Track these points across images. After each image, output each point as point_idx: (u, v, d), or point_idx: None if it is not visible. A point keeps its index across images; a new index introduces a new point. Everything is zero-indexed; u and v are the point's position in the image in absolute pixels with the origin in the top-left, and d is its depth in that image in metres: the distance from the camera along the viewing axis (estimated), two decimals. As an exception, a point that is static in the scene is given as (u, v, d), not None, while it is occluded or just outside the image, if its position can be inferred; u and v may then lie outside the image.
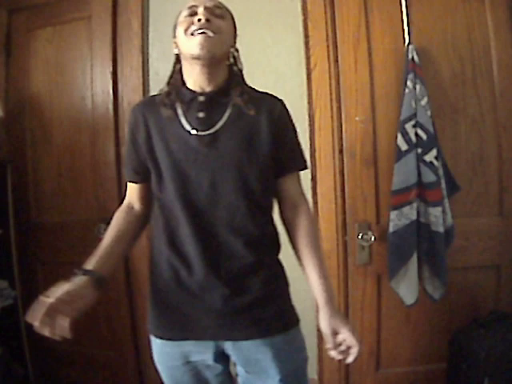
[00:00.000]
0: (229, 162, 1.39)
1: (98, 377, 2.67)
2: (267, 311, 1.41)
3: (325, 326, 1.37)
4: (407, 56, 2.18)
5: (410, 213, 2.13)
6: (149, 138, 1.45)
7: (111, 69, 2.51)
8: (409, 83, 2.14)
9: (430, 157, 2.12)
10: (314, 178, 2.34)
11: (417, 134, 2.12)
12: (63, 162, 2.62)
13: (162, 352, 1.49)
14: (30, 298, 2.64)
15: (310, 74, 2.34)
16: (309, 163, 2.28)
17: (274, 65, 2.40)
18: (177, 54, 1.46)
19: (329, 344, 1.36)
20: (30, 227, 2.68)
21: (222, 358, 1.46)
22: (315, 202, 2.35)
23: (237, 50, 1.50)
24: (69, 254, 2.62)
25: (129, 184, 1.57)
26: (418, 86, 2.14)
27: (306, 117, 2.36)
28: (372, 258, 2.28)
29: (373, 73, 2.28)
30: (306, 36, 2.35)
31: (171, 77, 1.49)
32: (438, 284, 2.18)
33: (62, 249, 2.64)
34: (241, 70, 1.51)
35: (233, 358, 1.47)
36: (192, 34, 1.35)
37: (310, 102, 2.35)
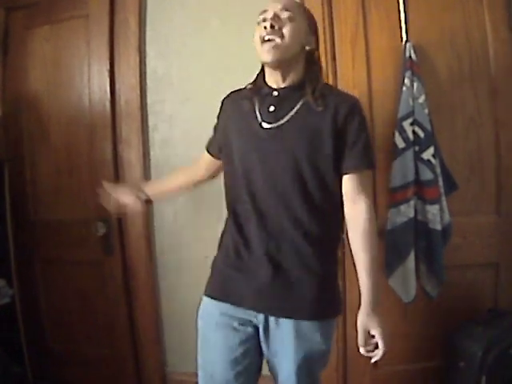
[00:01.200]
0: (287, 155, 1.48)
1: (96, 376, 2.67)
2: (306, 296, 1.50)
3: (360, 323, 1.51)
4: (405, 54, 2.18)
5: (407, 211, 2.13)
6: (226, 127, 1.64)
7: (108, 67, 2.50)
8: (406, 81, 2.14)
9: (428, 155, 2.12)
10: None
11: (414, 132, 2.13)
12: (61, 160, 2.61)
13: (205, 309, 1.64)
14: (27, 297, 2.68)
15: (307, 72, 2.34)
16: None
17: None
18: None
19: (359, 340, 1.50)
20: (27, 225, 2.68)
21: (253, 331, 1.56)
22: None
23: (316, 48, 1.60)
24: (66, 252, 2.63)
25: (204, 153, 1.85)
26: (415, 84, 2.13)
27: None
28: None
29: (370, 70, 2.28)
30: (304, 34, 2.34)
31: (258, 74, 1.62)
32: (435, 282, 2.18)
33: (59, 247, 2.64)
34: (320, 67, 1.62)
35: (261, 334, 1.56)
36: (262, 41, 1.46)
37: (307, 100, 2.35)
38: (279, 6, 1.48)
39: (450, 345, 2.18)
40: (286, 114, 1.50)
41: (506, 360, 2.01)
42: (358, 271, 1.52)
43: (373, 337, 1.48)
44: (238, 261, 1.55)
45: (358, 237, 1.51)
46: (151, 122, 2.52)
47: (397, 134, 2.14)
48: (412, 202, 2.13)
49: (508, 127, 2.29)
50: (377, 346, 1.47)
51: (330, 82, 2.30)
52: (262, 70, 1.60)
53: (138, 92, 2.48)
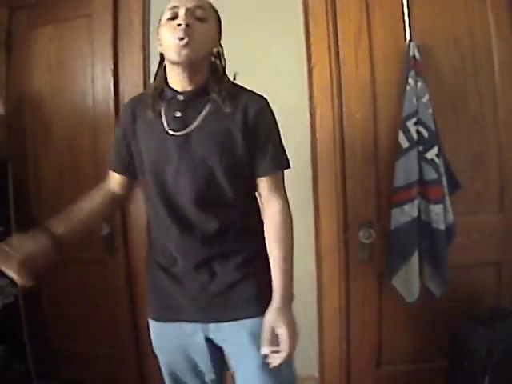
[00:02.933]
0: (199, 163, 1.42)
1: (99, 373, 2.66)
2: (240, 294, 1.46)
3: (266, 319, 1.38)
4: (408, 53, 2.18)
5: (411, 210, 2.14)
6: (135, 136, 1.51)
7: (112, 66, 2.50)
8: (410, 80, 2.14)
9: (432, 154, 2.12)
10: (314, 176, 2.34)
11: (418, 132, 2.13)
12: (64, 159, 2.61)
13: (158, 333, 1.58)
14: (30, 295, 2.67)
15: (310, 71, 2.34)
16: (309, 160, 2.32)
17: (275, 62, 2.40)
18: (161, 53, 1.47)
19: (263, 337, 1.37)
20: (30, 224, 2.64)
21: (210, 344, 1.51)
22: (316, 199, 2.36)
23: (220, 47, 1.52)
24: (69, 251, 2.62)
25: (111, 172, 1.65)
26: (419, 84, 2.14)
27: (307, 114, 2.36)
28: (373, 255, 2.28)
29: (374, 70, 2.28)
30: (307, 33, 2.35)
31: (156, 75, 1.51)
32: (438, 281, 2.18)
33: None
34: (223, 67, 1.51)
35: (218, 342, 1.52)
36: (175, 39, 1.35)
37: (310, 99, 2.36)
38: (192, 4, 1.39)
39: (454, 344, 2.18)
40: (194, 120, 1.43)
41: (509, 359, 2.01)
42: (272, 268, 1.44)
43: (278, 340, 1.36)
44: (168, 276, 1.51)
45: (272, 234, 1.46)
46: (154, 121, 2.50)
47: (401, 134, 2.14)
48: (416, 202, 2.14)
49: (511, 127, 2.29)
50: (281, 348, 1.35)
51: (334, 81, 2.31)
52: (162, 70, 1.49)
53: (142, 91, 2.46)
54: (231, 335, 1.47)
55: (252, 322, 1.44)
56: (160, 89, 1.48)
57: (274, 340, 1.35)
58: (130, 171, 1.58)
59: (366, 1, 2.29)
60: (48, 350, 2.72)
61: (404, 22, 2.25)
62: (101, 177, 2.46)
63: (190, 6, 1.38)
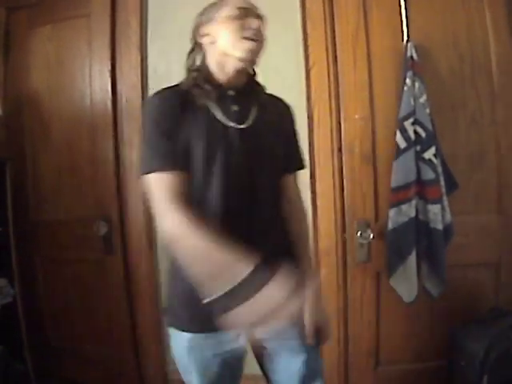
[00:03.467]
0: (268, 154, 1.46)
1: (98, 374, 2.67)
2: None
3: (307, 316, 1.47)
4: (406, 53, 2.18)
5: (408, 210, 2.14)
6: (183, 129, 1.38)
7: (110, 66, 2.51)
8: (408, 81, 2.14)
9: (429, 154, 2.12)
10: (312, 176, 2.34)
11: (416, 132, 2.13)
12: (62, 159, 2.62)
13: (192, 345, 1.48)
14: (29, 296, 2.67)
15: (308, 72, 2.35)
16: (307, 161, 2.32)
17: (273, 63, 2.38)
18: (203, 45, 1.48)
19: (308, 332, 1.48)
20: (29, 225, 2.69)
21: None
22: (314, 200, 2.35)
23: None
24: (68, 251, 2.64)
25: (165, 177, 1.35)
26: (416, 84, 2.14)
27: (305, 115, 2.36)
28: (371, 255, 2.28)
29: (371, 70, 2.28)
30: (305, 34, 2.35)
31: (195, 69, 1.48)
32: (436, 281, 2.18)
33: (61, 246, 2.65)
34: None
35: (263, 343, 1.53)
36: (245, 39, 1.38)
37: (308, 100, 2.36)
38: (259, 11, 1.47)
39: (452, 344, 2.18)
40: (250, 114, 1.46)
41: (507, 359, 2.01)
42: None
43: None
44: None
45: (298, 235, 1.57)
46: (153, 121, 2.50)
47: (398, 134, 2.14)
48: (413, 202, 2.14)
49: (509, 127, 2.29)
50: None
51: (331, 82, 2.32)
52: (204, 62, 1.48)
53: (140, 91, 2.48)
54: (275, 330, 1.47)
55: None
56: (204, 82, 1.44)
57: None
58: (185, 165, 1.38)
59: (364, 1, 2.29)
60: (46, 350, 2.73)
61: (401, 22, 2.25)
62: (98, 176, 2.51)
63: (258, 11, 1.46)
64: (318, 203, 2.34)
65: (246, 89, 1.49)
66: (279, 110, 1.58)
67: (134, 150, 2.49)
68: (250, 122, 1.44)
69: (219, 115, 1.42)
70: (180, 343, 1.51)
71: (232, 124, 1.41)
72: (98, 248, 2.54)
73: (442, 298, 2.22)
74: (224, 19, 1.41)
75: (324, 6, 2.31)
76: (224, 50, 1.42)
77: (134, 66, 2.49)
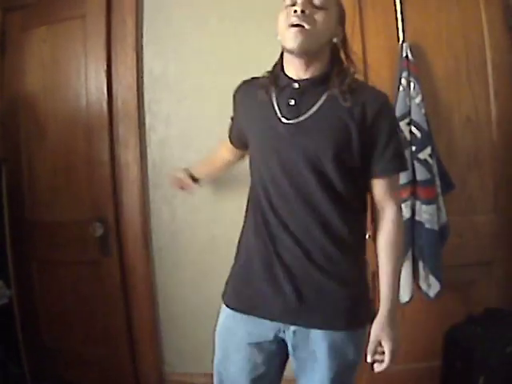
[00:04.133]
0: (308, 153, 1.38)
1: (94, 375, 2.66)
2: (336, 305, 1.42)
3: (373, 332, 1.43)
4: (401, 54, 2.19)
5: (404, 211, 2.13)
6: (244, 118, 1.58)
7: (105, 67, 2.50)
8: (403, 81, 2.15)
9: (425, 154, 2.12)
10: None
11: (411, 132, 2.13)
12: (58, 160, 2.61)
13: (225, 325, 1.56)
14: (25, 297, 2.67)
15: (305, 72, 2.34)
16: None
17: (271, 62, 2.39)
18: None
19: (369, 348, 1.42)
20: (24, 226, 2.68)
21: (279, 346, 1.49)
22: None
23: (344, 39, 1.49)
24: (64, 252, 2.63)
25: (227, 141, 1.83)
26: (412, 84, 2.14)
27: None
28: (366, 255, 2.27)
29: (367, 71, 2.27)
30: (301, 34, 2.35)
31: (276, 63, 1.51)
32: (432, 282, 2.18)
33: (57, 247, 2.64)
34: (350, 60, 1.48)
35: (289, 346, 1.49)
36: (290, 26, 1.33)
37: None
38: None
39: (448, 344, 2.19)
40: (308, 109, 1.39)
41: (503, 359, 2.01)
42: (381, 281, 1.47)
43: (382, 349, 1.42)
44: (267, 273, 1.44)
45: (384, 246, 1.47)
46: (148, 121, 2.51)
47: (394, 134, 2.14)
48: (409, 202, 2.14)
49: (505, 126, 2.30)
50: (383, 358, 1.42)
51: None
52: (281, 58, 1.48)
53: (135, 92, 2.47)
54: (309, 342, 1.45)
55: (336, 335, 1.43)
56: (275, 74, 1.47)
57: (378, 350, 1.43)
58: (242, 145, 1.68)
59: (359, 1, 2.29)
60: (43, 352, 2.72)
61: (397, 22, 2.25)
62: (94, 177, 2.51)
63: None
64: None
65: (318, 81, 1.40)
66: (360, 105, 1.38)
67: (129, 151, 2.49)
68: (305, 116, 1.39)
69: (276, 108, 1.43)
70: (220, 318, 1.58)
71: (284, 118, 1.41)
72: (94, 249, 2.53)
73: (438, 298, 2.21)
74: (280, 12, 1.40)
75: (319, 6, 2.31)
76: (282, 43, 1.40)
77: (129, 66, 2.48)
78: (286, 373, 1.61)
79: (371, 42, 2.29)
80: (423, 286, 2.20)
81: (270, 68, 2.33)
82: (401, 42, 2.22)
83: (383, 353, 1.42)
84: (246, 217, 1.55)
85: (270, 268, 1.43)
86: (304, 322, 1.43)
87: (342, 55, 1.48)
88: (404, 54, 2.17)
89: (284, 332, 1.46)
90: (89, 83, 2.54)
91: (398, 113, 2.13)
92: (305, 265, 1.41)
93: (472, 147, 2.31)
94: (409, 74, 2.15)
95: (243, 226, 1.56)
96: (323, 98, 1.40)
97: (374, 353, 1.43)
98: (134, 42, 2.48)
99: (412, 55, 2.18)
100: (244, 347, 1.50)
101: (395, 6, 2.25)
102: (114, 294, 2.56)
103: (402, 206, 2.10)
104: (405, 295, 2.19)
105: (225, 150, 1.92)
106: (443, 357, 2.21)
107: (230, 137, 1.80)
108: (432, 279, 2.18)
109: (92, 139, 2.53)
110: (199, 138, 2.41)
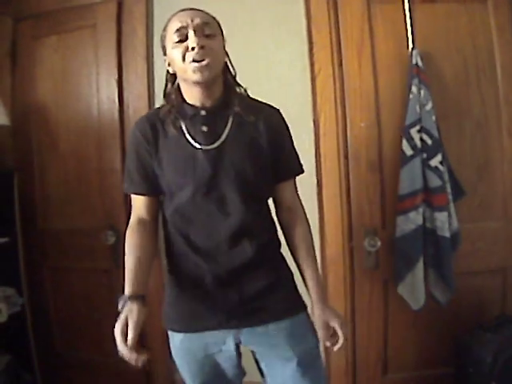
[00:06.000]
0: (234, 174, 1.43)
1: (106, 382, 2.67)
2: (274, 297, 1.49)
3: (318, 320, 1.49)
4: (411, 61, 2.19)
5: (416, 218, 2.14)
6: (157, 154, 1.48)
7: (116, 76, 2.52)
8: (413, 88, 2.15)
9: (436, 161, 2.12)
10: (319, 184, 2.35)
11: (422, 139, 2.14)
12: (69, 169, 2.62)
13: (182, 347, 1.55)
14: (37, 305, 2.68)
15: (314, 80, 2.35)
16: (314, 168, 2.32)
17: (278, 71, 2.41)
18: (171, 73, 1.49)
19: (323, 336, 1.49)
20: (36, 234, 2.69)
21: (237, 349, 1.52)
22: (321, 208, 2.36)
23: (227, 56, 1.51)
24: (75, 260, 2.64)
25: (135, 198, 1.56)
26: (422, 91, 2.15)
27: (311, 122, 2.37)
28: (378, 263, 2.28)
29: (377, 78, 2.29)
30: (310, 41, 2.36)
31: (169, 94, 1.51)
32: (444, 289, 2.18)
33: (68, 256, 2.65)
34: (234, 77, 1.53)
35: (250, 347, 1.54)
36: (190, 62, 1.35)
37: (314, 108, 2.37)
38: (198, 21, 1.38)
39: (459, 351, 2.18)
40: (222, 132, 1.45)
41: (515, 365, 2.01)
42: (304, 274, 1.53)
43: (331, 330, 1.48)
44: (199, 286, 1.48)
45: (302, 243, 1.55)
46: (159, 130, 2.52)
47: (404, 142, 2.15)
48: (420, 210, 2.14)
49: (515, 132, 2.30)
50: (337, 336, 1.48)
51: (337, 89, 2.32)
52: (176, 88, 1.49)
53: (146, 101, 2.49)
54: (267, 338, 1.49)
55: (289, 323, 1.49)
56: (177, 106, 1.47)
57: (328, 333, 1.48)
58: (154, 189, 1.52)
59: (369, 9, 2.30)
60: (55, 359, 2.73)
61: (406, 29, 2.25)
62: (106, 186, 2.52)
63: (196, 23, 1.37)
64: (325, 210, 2.34)
65: (221, 105, 1.47)
66: (262, 119, 1.49)
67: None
68: (221, 140, 1.44)
69: (189, 138, 1.45)
70: (174, 344, 1.58)
71: (199, 146, 1.44)
72: (105, 257, 2.55)
73: (450, 305, 2.21)
74: (171, 47, 1.42)
75: (329, 14, 2.32)
76: (182, 76, 1.42)
77: (140, 75, 2.50)
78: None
79: (381, 49, 2.29)
80: (435, 292, 2.20)
81: (277, 76, 2.38)
82: (410, 49, 2.22)
83: (335, 332, 1.47)
84: (167, 246, 1.56)
85: (205, 284, 1.47)
86: (255, 322, 1.48)
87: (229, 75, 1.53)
88: (414, 61, 2.17)
89: (239, 335, 1.50)
90: (100, 92, 2.56)
91: (408, 120, 2.15)
92: (236, 272, 1.46)
93: (482, 153, 2.31)
94: (419, 81, 2.15)
95: (167, 255, 1.57)
96: (230, 119, 1.46)
97: (329, 336, 1.48)
98: (144, 50, 2.50)
99: (422, 62, 2.18)
100: (209, 360, 1.53)
101: (404, 13, 2.26)
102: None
103: (414, 213, 2.13)
104: (417, 302, 2.19)
105: (142, 220, 1.55)
106: (455, 363, 2.20)
107: (136, 189, 1.54)
108: (443, 286, 2.18)
109: (103, 148, 2.55)
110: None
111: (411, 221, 2.14)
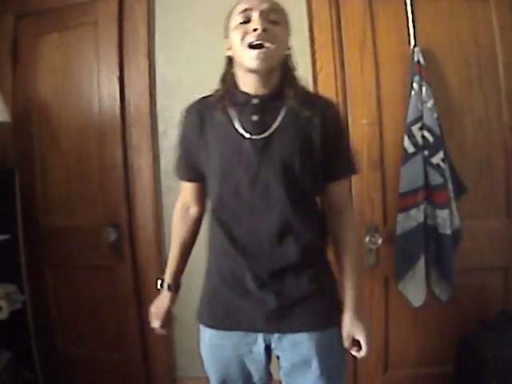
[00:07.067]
0: (280, 166, 1.38)
1: (107, 380, 2.67)
2: (311, 308, 1.44)
3: (344, 329, 1.45)
4: (413, 58, 2.19)
5: (417, 215, 2.14)
6: (205, 140, 1.46)
7: (118, 73, 2.52)
8: (415, 85, 2.15)
9: (437, 159, 2.12)
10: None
11: (423, 137, 2.14)
12: (71, 166, 2.62)
13: (211, 343, 1.54)
14: (38, 302, 2.68)
15: (315, 78, 2.35)
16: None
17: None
18: (229, 56, 1.45)
19: (346, 344, 1.45)
20: (38, 232, 2.69)
21: (267, 353, 1.49)
22: (322, 206, 2.35)
23: (289, 50, 1.47)
24: (77, 257, 2.64)
25: (183, 184, 1.63)
26: (424, 89, 2.14)
27: (313, 120, 2.36)
28: (379, 260, 2.28)
29: (379, 75, 2.29)
30: (312, 39, 2.36)
31: (224, 79, 1.48)
32: (445, 286, 2.19)
33: (69, 253, 2.65)
34: (293, 71, 1.48)
35: (276, 352, 1.50)
36: (249, 46, 1.32)
37: (316, 105, 2.36)
38: (266, 6, 1.34)
39: (461, 348, 2.18)
40: (273, 123, 1.40)
41: (516, 364, 2.01)
42: (344, 280, 1.49)
43: (358, 341, 1.45)
44: (242, 288, 1.45)
45: (346, 248, 1.50)
46: (161, 127, 2.53)
47: (406, 139, 2.15)
48: (422, 207, 2.14)
49: (516, 130, 2.29)
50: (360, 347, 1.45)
51: (339, 87, 2.32)
52: (231, 74, 1.46)
53: (148, 98, 2.49)
54: (295, 346, 1.46)
55: (319, 335, 1.45)
56: (229, 91, 1.44)
57: (355, 345, 1.45)
58: (201, 176, 1.53)
59: (370, 6, 2.30)
60: (56, 357, 2.73)
61: (408, 26, 2.25)
62: (107, 183, 2.52)
63: (264, 8, 1.33)
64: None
65: (275, 95, 1.42)
66: (318, 113, 1.42)
67: (142, 156, 2.51)
68: (270, 131, 1.39)
69: (238, 126, 1.41)
70: (203, 340, 1.57)
71: (248, 135, 1.39)
72: (107, 254, 2.55)
73: (451, 302, 2.22)
74: (232, 29, 1.38)
75: (331, 12, 2.32)
76: (239, 61, 1.39)
77: (141, 72, 2.50)
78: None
79: (383, 47, 2.29)
80: (436, 290, 2.21)
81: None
82: (412, 47, 2.22)
83: (359, 344, 1.44)
84: (210, 238, 1.55)
85: (244, 283, 1.44)
86: (287, 329, 1.45)
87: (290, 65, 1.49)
88: (416, 59, 2.17)
89: (269, 339, 1.47)
90: (101, 89, 2.56)
91: (410, 117, 2.15)
92: (278, 273, 1.42)
93: (484, 151, 2.31)
94: (421, 79, 2.15)
95: (209, 249, 1.57)
96: (283, 110, 1.41)
97: (351, 348, 1.46)
98: (145, 48, 2.50)
99: (424, 60, 2.18)
100: (236, 360, 1.50)
101: (406, 10, 2.25)
102: (127, 299, 2.57)
103: (415, 210, 2.13)
104: (418, 299, 2.19)
105: (187, 204, 1.66)
106: (456, 361, 2.21)
107: (182, 175, 1.62)
108: (445, 283, 2.19)
109: (105, 145, 2.55)
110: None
111: (412, 218, 2.14)
